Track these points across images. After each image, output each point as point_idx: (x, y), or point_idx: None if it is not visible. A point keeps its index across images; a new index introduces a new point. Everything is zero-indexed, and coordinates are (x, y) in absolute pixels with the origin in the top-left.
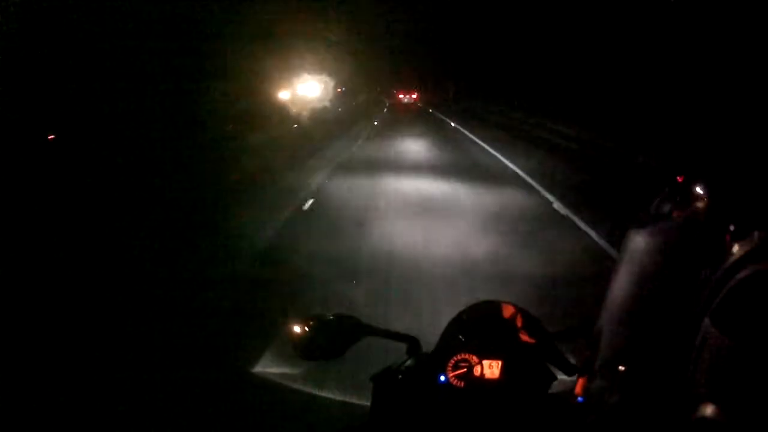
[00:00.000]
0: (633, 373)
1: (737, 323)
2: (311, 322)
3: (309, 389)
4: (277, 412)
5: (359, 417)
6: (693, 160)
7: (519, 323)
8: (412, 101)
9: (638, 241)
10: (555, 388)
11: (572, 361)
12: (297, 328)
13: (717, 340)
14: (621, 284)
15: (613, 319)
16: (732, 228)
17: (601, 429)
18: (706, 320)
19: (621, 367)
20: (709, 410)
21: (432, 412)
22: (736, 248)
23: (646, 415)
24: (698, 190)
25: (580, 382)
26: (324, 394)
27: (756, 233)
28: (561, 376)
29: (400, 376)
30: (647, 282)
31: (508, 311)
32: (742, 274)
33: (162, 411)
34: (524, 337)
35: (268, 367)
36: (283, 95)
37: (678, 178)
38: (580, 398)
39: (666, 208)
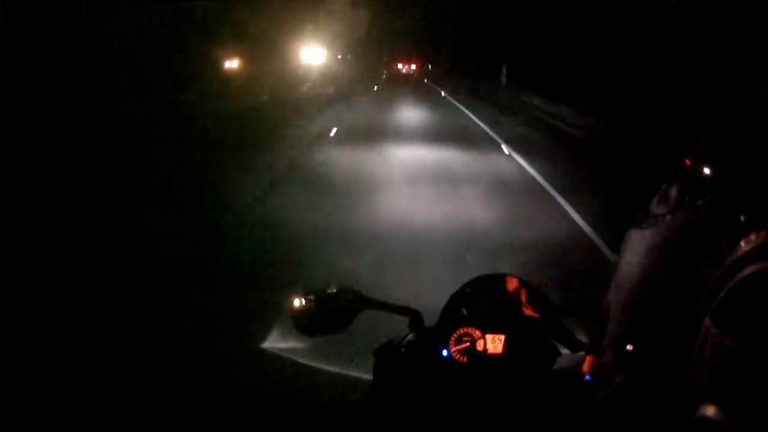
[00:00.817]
0: (640, 352)
1: (738, 323)
2: (311, 297)
3: (315, 363)
4: (283, 387)
5: (364, 390)
6: (701, 143)
7: (523, 297)
8: (411, 72)
9: (638, 241)
10: (559, 364)
11: (578, 337)
12: (296, 303)
13: (717, 339)
14: (629, 262)
15: (621, 295)
16: (733, 227)
17: (609, 408)
18: (707, 320)
19: (629, 347)
20: (710, 410)
21: (434, 387)
22: (736, 248)
23: (652, 396)
24: (707, 172)
25: (588, 360)
26: (330, 368)
27: (756, 232)
28: (565, 352)
29: (402, 350)
30: (647, 282)
31: (511, 285)
32: (742, 274)
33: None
34: (528, 312)
35: (276, 342)
36: (299, 59)
37: (686, 161)
38: (587, 376)
39: (674, 192)
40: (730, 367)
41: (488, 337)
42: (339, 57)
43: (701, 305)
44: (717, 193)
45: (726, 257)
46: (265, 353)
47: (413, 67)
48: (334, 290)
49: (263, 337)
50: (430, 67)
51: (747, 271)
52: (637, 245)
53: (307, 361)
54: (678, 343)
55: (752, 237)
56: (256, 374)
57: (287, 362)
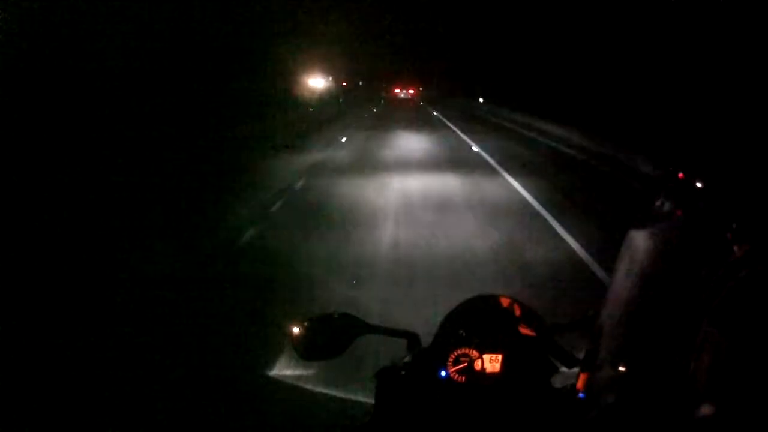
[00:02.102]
0: (633, 373)
1: (737, 323)
2: (309, 323)
3: (320, 389)
4: (289, 413)
5: (368, 413)
6: (693, 157)
7: (517, 315)
8: (410, 96)
9: (638, 242)
10: (556, 380)
11: (572, 353)
12: (296, 329)
13: (717, 340)
14: (621, 284)
15: (613, 317)
16: (732, 228)
17: (601, 426)
18: (706, 320)
19: (621, 368)
20: (709, 410)
21: (434, 408)
22: (735, 248)
23: (643, 415)
24: (699, 186)
25: (582, 377)
26: (334, 392)
27: (754, 234)
28: (562, 369)
29: (402, 372)
30: (647, 282)
31: (505, 303)
32: (741, 274)
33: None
34: (524, 330)
35: (282, 370)
36: (304, 85)
37: (679, 174)
38: (581, 394)
39: (668, 206)
40: (729, 367)
41: (486, 356)
42: (344, 84)
43: (701, 305)
44: (709, 202)
45: (721, 261)
46: (272, 380)
47: (411, 91)
48: (333, 316)
49: (270, 365)
50: (421, 89)
51: (745, 273)
52: (632, 259)
53: (312, 387)
54: (677, 345)
55: (745, 242)
56: (262, 401)
57: (293, 389)
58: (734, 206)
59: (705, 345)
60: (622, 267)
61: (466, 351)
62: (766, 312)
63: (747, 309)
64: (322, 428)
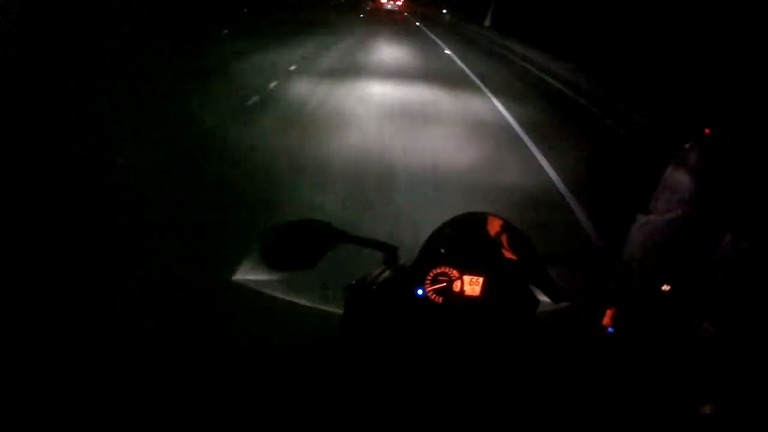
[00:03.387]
0: (676, 292)
1: (737, 323)
2: (282, 229)
3: (286, 296)
4: (252, 320)
5: (336, 326)
6: (717, 113)
7: (504, 240)
8: (397, 8)
9: (638, 240)
10: (539, 311)
11: (561, 287)
12: (267, 236)
13: (717, 339)
14: (659, 214)
15: (646, 246)
16: (730, 233)
17: (633, 359)
18: (706, 320)
19: (665, 287)
20: (709, 409)
21: (407, 327)
22: (735, 248)
23: (672, 349)
24: (728, 141)
25: (609, 313)
26: (301, 301)
27: (755, 234)
28: (543, 300)
29: (374, 287)
30: (647, 282)
31: (494, 225)
32: (741, 274)
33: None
34: (509, 255)
35: (246, 275)
36: None
37: (706, 130)
38: (610, 329)
39: (692, 159)
40: (729, 366)
41: (466, 278)
42: None
43: (701, 305)
44: (716, 201)
45: (724, 261)
46: (234, 285)
47: (399, 2)
48: (306, 223)
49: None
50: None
51: (745, 273)
52: (637, 246)
53: (277, 294)
54: (677, 345)
55: (746, 242)
56: (224, 306)
57: (256, 295)
58: (733, 208)
59: (705, 344)
60: (661, 198)
61: (446, 270)
62: (766, 312)
63: (747, 309)
64: (286, 338)
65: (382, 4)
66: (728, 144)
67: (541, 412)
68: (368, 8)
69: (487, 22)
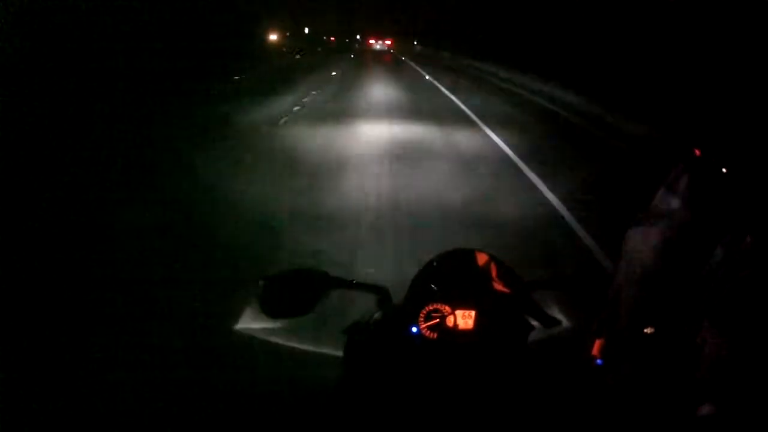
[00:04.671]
0: (659, 335)
1: (736, 323)
2: (274, 279)
3: (287, 343)
4: (255, 367)
5: (337, 369)
6: (708, 133)
7: (493, 272)
8: (386, 48)
9: (637, 241)
10: (531, 339)
11: (548, 312)
12: (263, 285)
13: (717, 339)
14: (640, 246)
15: (633, 280)
16: (729, 232)
17: (621, 391)
18: (706, 320)
19: (648, 330)
20: (709, 409)
21: (405, 364)
22: (735, 249)
23: (664, 382)
24: (718, 164)
25: (598, 343)
26: (303, 346)
27: (755, 234)
28: (537, 327)
29: (371, 328)
30: (647, 282)
31: (481, 260)
32: (741, 274)
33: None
34: (498, 287)
35: (248, 323)
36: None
37: (695, 151)
38: (598, 360)
39: (682, 183)
40: (729, 366)
41: (458, 312)
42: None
43: (701, 305)
44: (722, 194)
45: (723, 261)
46: (237, 333)
47: (387, 42)
48: (298, 271)
49: (236, 317)
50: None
51: (745, 273)
52: (640, 241)
53: (278, 341)
54: (677, 345)
55: (746, 241)
56: (227, 355)
57: (260, 342)
58: (733, 207)
59: (705, 344)
60: (622, 267)
61: (438, 307)
62: (766, 312)
63: (747, 309)
64: (290, 383)
65: (371, 44)
66: (719, 166)
67: None
68: (356, 48)
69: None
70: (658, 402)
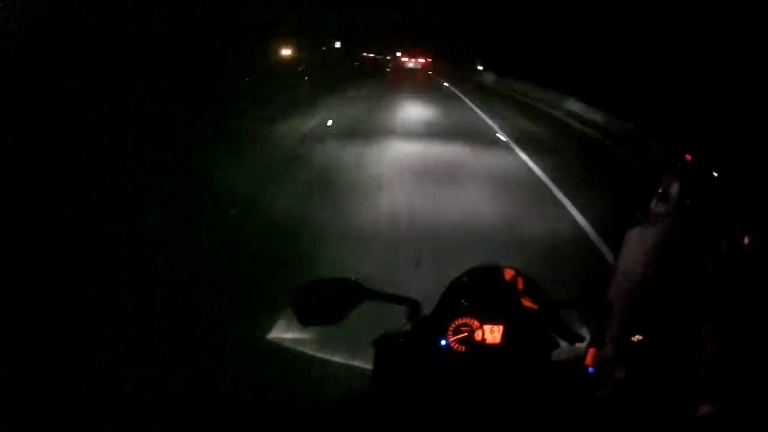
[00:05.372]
0: (646, 345)
1: (736, 323)
2: (309, 287)
3: (319, 354)
4: (286, 378)
5: (366, 381)
6: (700, 140)
7: (520, 288)
8: (420, 66)
9: (637, 241)
10: (557, 355)
11: (574, 330)
12: (296, 294)
13: (716, 339)
14: (632, 257)
15: (623, 290)
16: (730, 231)
17: (610, 401)
18: (706, 320)
19: (636, 338)
20: (708, 409)
21: (433, 377)
22: (735, 249)
23: (652, 393)
24: (708, 169)
25: (591, 352)
26: (333, 358)
27: (754, 235)
28: (563, 344)
29: (401, 341)
30: (647, 282)
31: (508, 275)
32: (741, 275)
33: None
34: (526, 303)
35: (280, 333)
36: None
37: (686, 156)
38: (590, 369)
39: (674, 188)
40: (728, 366)
41: (486, 327)
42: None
43: (701, 305)
44: (714, 198)
45: (724, 260)
46: (269, 344)
47: (421, 60)
48: (333, 281)
49: (268, 328)
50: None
51: (745, 273)
52: (637, 244)
53: (310, 352)
54: (680, 338)
55: (747, 240)
56: (259, 365)
57: (291, 353)
58: (737, 198)
59: (705, 345)
60: (622, 267)
61: (467, 321)
62: (766, 312)
63: (747, 309)
64: (321, 395)
65: (403, 62)
66: (710, 170)
67: None
68: (389, 68)
69: (480, 66)
70: (652, 408)
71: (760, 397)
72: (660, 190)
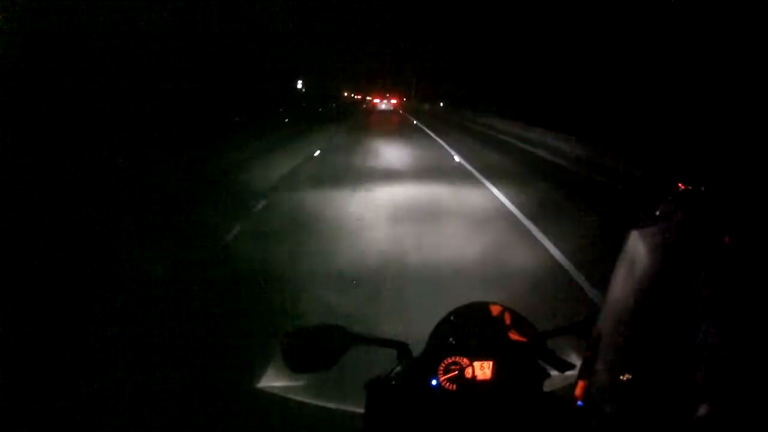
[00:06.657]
0: (635, 381)
1: (736, 324)
2: (298, 334)
3: (311, 400)
4: (280, 425)
5: (359, 424)
6: (694, 167)
7: (507, 322)
8: (392, 107)
9: (638, 243)
10: (548, 385)
11: (563, 358)
12: (285, 341)
13: (716, 340)
14: (621, 286)
15: (613, 320)
16: (724, 238)
17: None
18: (706, 321)
19: (624, 377)
20: (708, 410)
21: (426, 417)
22: (734, 249)
23: (644, 425)
24: (700, 197)
25: (580, 385)
26: (325, 403)
27: (753, 235)
28: (553, 373)
29: (392, 383)
30: (647, 284)
31: (495, 311)
32: (740, 275)
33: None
34: (514, 336)
35: (271, 381)
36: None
37: (680, 185)
38: (579, 402)
39: (677, 216)
40: (728, 367)
41: (477, 364)
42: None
43: (701, 306)
44: (707, 207)
45: (721, 263)
46: (261, 392)
47: (393, 101)
48: (321, 327)
49: (259, 376)
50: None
51: (741, 275)
52: (626, 275)
53: (302, 399)
54: (677, 346)
55: (742, 245)
56: (252, 414)
57: (283, 400)
58: (733, 207)
59: (704, 345)
60: (622, 269)
61: (457, 359)
62: (765, 313)
63: (747, 310)
64: None
65: (376, 104)
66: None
67: None
68: (363, 108)
69: (441, 104)
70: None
71: (760, 398)
72: (658, 214)
